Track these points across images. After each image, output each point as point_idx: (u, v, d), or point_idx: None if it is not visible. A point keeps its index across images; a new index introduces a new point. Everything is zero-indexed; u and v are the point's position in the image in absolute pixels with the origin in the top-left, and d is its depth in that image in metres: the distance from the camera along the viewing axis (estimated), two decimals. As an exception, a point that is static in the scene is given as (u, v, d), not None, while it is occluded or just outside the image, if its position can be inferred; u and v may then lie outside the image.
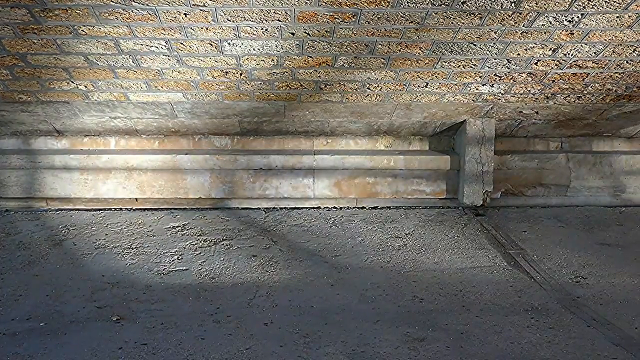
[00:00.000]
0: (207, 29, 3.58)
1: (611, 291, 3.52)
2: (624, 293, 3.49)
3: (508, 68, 4.10)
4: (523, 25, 3.63)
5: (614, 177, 5.13)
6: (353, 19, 3.52)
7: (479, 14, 3.51)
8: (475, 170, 4.80)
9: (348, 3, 3.37)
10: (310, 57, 3.90)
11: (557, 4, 3.42)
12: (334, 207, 4.96)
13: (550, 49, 3.89)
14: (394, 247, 4.18)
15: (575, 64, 4.08)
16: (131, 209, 4.87)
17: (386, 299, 3.42)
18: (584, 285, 3.61)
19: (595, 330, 3.03)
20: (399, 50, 3.86)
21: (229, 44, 3.73)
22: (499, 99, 4.50)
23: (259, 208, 4.92)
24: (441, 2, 3.38)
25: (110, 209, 4.85)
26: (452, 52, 3.90)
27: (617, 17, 3.56)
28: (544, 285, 3.61)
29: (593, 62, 4.06)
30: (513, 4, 3.42)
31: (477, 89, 4.35)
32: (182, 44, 3.72)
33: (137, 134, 4.86)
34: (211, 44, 3.74)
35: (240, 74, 4.06)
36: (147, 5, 3.35)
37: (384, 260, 3.96)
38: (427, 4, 3.39)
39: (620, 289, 3.55)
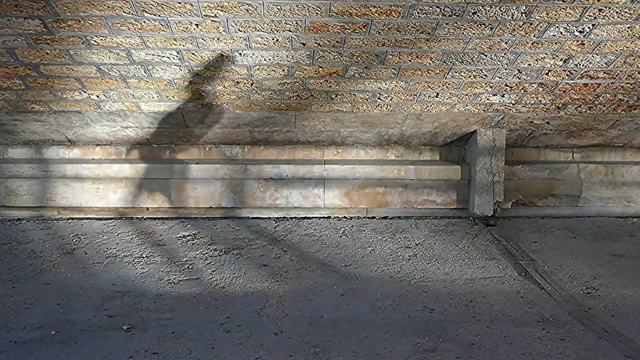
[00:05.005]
0: (218, 39, 3.60)
1: (623, 302, 3.49)
2: (635, 304, 3.46)
3: (519, 78, 4.10)
4: (534, 36, 3.63)
5: (625, 187, 5.10)
6: (364, 30, 3.53)
7: (490, 24, 3.51)
8: (486, 180, 4.79)
9: (359, 14, 3.39)
10: (321, 67, 3.92)
11: (567, 14, 3.42)
12: (344, 217, 4.96)
13: (561, 59, 3.89)
14: (404, 257, 4.17)
15: (587, 75, 4.07)
16: (142, 218, 4.89)
17: (396, 309, 3.41)
18: (595, 297, 3.58)
19: (607, 342, 3.01)
20: (410, 61, 3.87)
21: (240, 54, 3.75)
22: (510, 109, 4.49)
23: (269, 217, 4.93)
24: (452, 12, 3.39)
25: (121, 218, 4.87)
26: (462, 62, 3.90)
27: (628, 27, 3.56)
28: (555, 296, 3.58)
29: (604, 73, 4.05)
30: (524, 15, 3.42)
31: (487, 99, 4.35)
32: (193, 54, 3.75)
33: (149, 143, 4.88)
34: (222, 54, 3.76)
35: (251, 84, 4.08)
36: (158, 16, 3.38)
37: (394, 271, 3.95)
38: (438, 14, 3.40)
39: (632, 300, 3.52)
